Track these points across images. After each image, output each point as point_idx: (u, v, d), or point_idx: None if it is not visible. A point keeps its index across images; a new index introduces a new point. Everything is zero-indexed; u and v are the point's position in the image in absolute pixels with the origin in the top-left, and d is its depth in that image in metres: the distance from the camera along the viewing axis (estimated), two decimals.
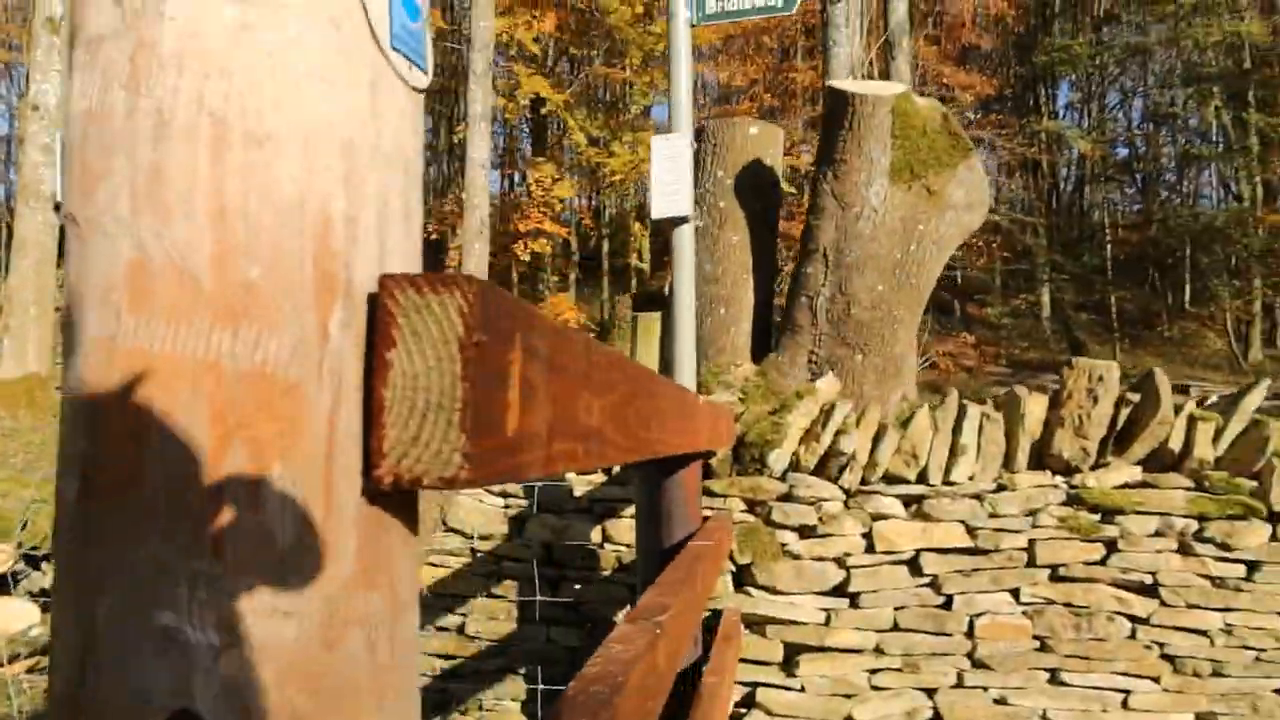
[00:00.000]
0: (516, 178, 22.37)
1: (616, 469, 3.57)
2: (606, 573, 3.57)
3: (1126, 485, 3.30)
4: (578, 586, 3.59)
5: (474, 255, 11.12)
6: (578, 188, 20.47)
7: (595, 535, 3.59)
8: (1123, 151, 26.82)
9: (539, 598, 3.55)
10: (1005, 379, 16.24)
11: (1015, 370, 18.48)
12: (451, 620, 3.68)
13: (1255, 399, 3.36)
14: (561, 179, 17.76)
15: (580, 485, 3.63)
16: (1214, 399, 3.73)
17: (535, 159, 19.33)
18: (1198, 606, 3.25)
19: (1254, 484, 3.24)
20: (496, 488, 3.69)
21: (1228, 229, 21.21)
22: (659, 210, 3.66)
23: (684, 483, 2.65)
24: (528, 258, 17.61)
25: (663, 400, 1.60)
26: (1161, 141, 26.24)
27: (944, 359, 17.62)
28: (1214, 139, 24.26)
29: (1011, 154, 22.36)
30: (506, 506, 3.69)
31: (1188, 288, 23.83)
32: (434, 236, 18.26)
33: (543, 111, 19.14)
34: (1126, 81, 27.36)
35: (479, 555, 3.68)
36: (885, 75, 11.73)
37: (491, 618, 3.65)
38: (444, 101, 24.20)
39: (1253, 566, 3.23)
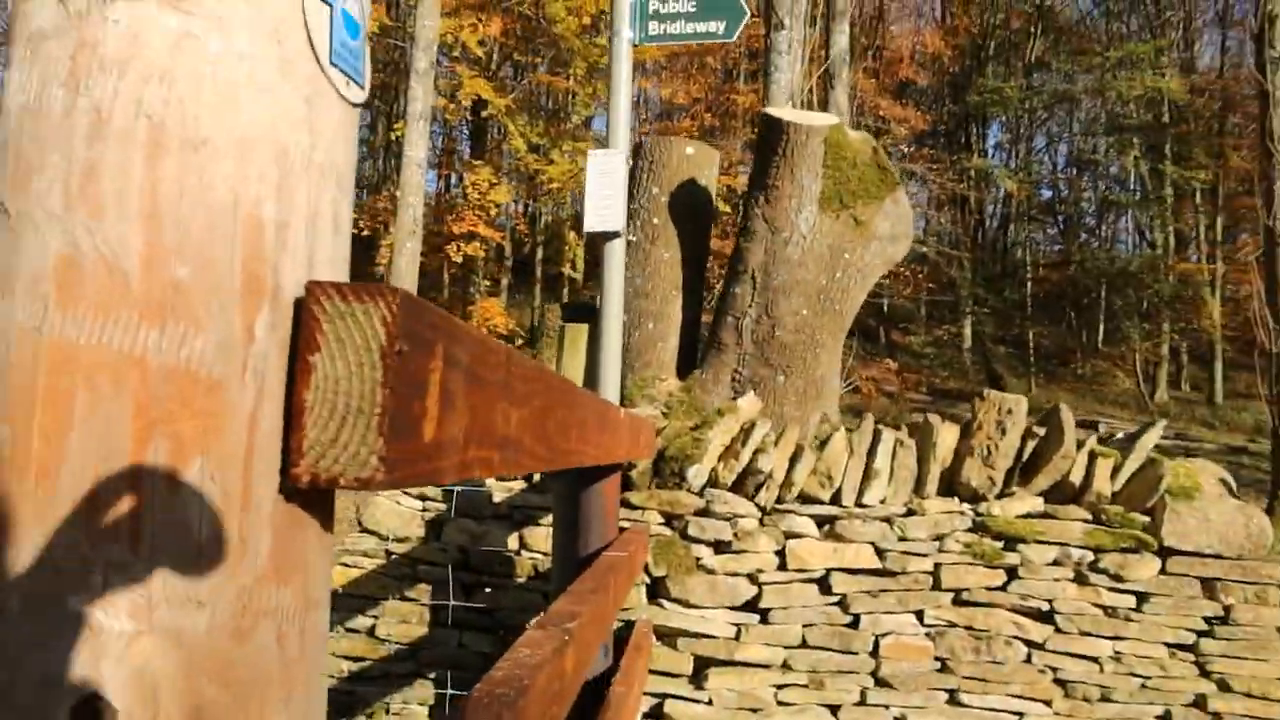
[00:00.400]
0: (453, 179, 22.16)
1: (537, 477, 3.58)
2: (522, 580, 3.57)
3: (1029, 515, 3.43)
4: (491, 591, 3.59)
5: (405, 254, 11.01)
6: (514, 193, 20.40)
7: (513, 542, 3.59)
8: (1046, 193, 27.80)
9: (453, 602, 3.54)
10: (925, 406, 16.62)
11: (935, 398, 18.92)
12: (362, 622, 3.64)
13: (1152, 438, 3.52)
14: (499, 183, 17.66)
15: (499, 492, 3.63)
16: (1119, 435, 3.89)
17: (473, 161, 19.18)
18: (1090, 634, 3.38)
19: (1147, 519, 3.39)
20: (415, 491, 3.66)
21: (1141, 274, 22.14)
22: (592, 224, 3.69)
23: (603, 493, 2.68)
24: (460, 260, 17.47)
25: (583, 412, 1.62)
26: (1083, 186, 27.24)
27: (867, 383, 17.95)
28: (1132, 187, 25.28)
29: (941, 188, 22.96)
30: (424, 510, 3.67)
31: (1101, 328, 24.70)
32: (365, 233, 17.98)
33: (483, 114, 19.06)
34: (1053, 126, 28.40)
35: (393, 557, 3.65)
36: (824, 104, 11.94)
37: (403, 621, 3.62)
38: (384, 98, 23.91)
39: (1142, 598, 3.38)
